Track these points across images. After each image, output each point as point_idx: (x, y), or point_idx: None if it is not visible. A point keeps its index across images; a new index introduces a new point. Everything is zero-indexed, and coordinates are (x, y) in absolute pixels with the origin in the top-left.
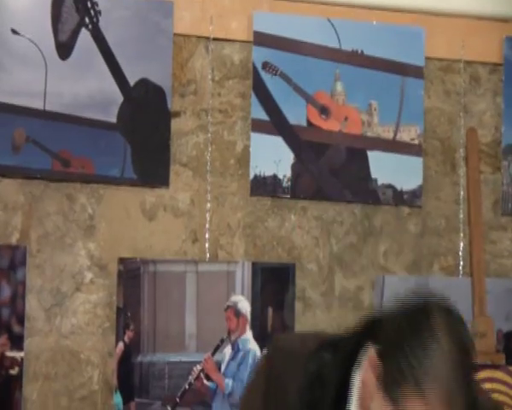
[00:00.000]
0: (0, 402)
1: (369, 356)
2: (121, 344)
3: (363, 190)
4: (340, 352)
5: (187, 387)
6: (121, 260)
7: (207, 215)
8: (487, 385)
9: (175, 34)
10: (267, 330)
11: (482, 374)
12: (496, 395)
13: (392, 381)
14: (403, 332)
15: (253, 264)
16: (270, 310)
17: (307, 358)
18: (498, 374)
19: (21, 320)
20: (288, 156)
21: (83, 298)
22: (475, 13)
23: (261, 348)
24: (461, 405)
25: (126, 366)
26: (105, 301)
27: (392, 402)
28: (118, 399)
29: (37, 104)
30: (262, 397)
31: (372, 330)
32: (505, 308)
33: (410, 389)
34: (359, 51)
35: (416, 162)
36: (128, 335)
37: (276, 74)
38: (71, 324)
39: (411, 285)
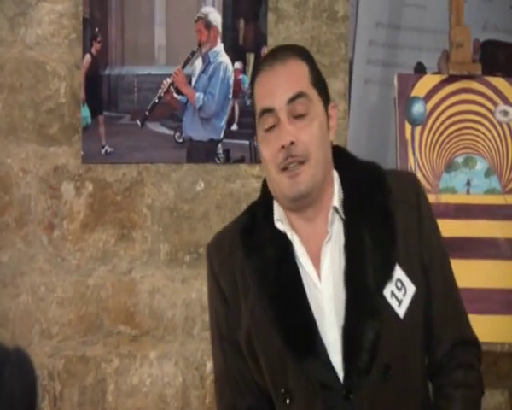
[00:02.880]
0: None
1: None
2: (88, 56)
3: None
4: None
5: (156, 100)
6: None
7: None
8: (463, 96)
9: None
10: (239, 43)
11: (458, 85)
12: (472, 106)
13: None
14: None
15: None
16: (241, 22)
17: (233, 231)
18: (474, 85)
19: None
20: None
21: (48, 8)
22: None
23: (232, 60)
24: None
25: (94, 78)
26: (71, 11)
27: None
28: (85, 112)
29: None
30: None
31: None
32: (483, 17)
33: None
34: None
35: None
36: (95, 47)
37: None
38: (36, 34)
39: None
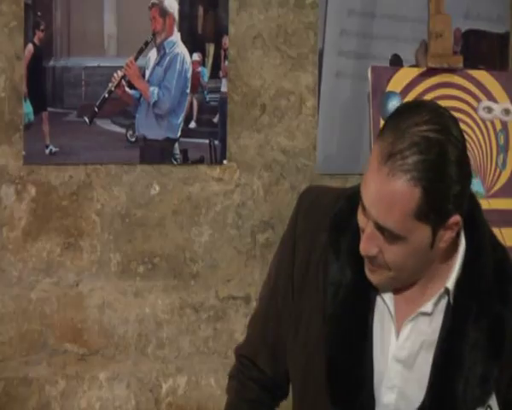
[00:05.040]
0: None
1: None
2: (31, 46)
3: None
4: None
5: (106, 95)
6: None
7: None
8: (443, 91)
9: None
10: (197, 32)
11: (437, 79)
12: (453, 102)
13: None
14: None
15: None
16: (200, 9)
17: (330, 207)
18: (455, 78)
19: None
20: None
21: None
22: None
23: (190, 51)
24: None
25: (37, 71)
26: None
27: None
28: (28, 108)
29: None
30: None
31: None
32: (464, 5)
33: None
34: None
35: None
36: (38, 36)
37: None
38: None
39: None
